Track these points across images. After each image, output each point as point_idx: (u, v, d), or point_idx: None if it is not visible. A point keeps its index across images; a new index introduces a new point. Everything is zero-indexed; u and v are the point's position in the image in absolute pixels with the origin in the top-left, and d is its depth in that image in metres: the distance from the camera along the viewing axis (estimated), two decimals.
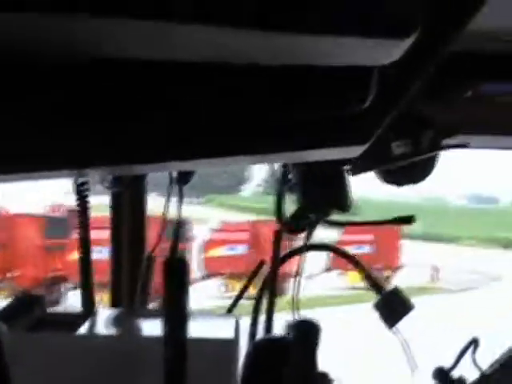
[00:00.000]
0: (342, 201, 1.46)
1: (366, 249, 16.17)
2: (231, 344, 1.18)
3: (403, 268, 17.75)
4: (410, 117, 1.27)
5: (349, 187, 1.47)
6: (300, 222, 1.52)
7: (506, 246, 26.91)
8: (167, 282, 0.84)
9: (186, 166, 1.14)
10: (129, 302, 1.82)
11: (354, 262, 1.61)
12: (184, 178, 1.65)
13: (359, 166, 1.40)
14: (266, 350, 1.35)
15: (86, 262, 1.46)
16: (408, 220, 1.67)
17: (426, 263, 19.13)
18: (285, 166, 1.44)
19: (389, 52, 0.59)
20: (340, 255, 1.65)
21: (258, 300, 1.61)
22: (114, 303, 1.86)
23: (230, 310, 1.63)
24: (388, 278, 16.77)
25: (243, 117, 0.72)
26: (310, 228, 1.52)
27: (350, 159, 1.27)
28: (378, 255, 16.59)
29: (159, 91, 0.71)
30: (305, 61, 0.61)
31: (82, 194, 1.45)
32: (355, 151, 0.78)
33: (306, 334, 1.07)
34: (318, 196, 1.45)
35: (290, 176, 1.44)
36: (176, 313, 0.86)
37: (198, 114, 0.72)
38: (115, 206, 1.88)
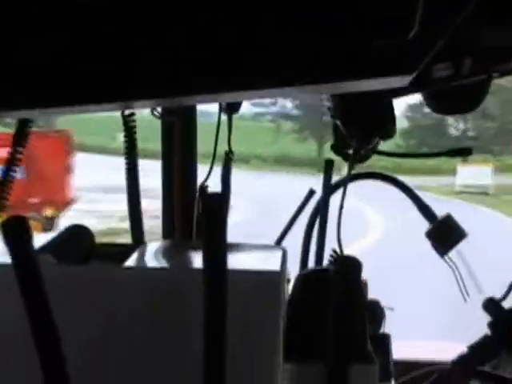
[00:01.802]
0: (385, 127, 1.42)
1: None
2: (277, 275, 1.14)
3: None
4: (451, 40, 1.22)
5: (392, 113, 1.43)
6: (342, 149, 1.49)
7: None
8: (206, 214, 0.83)
9: (235, 96, 1.13)
10: (182, 233, 1.85)
11: (407, 190, 1.58)
12: (233, 107, 1.63)
13: (401, 89, 1.35)
14: (311, 281, 1.33)
15: (134, 193, 1.45)
16: (467, 151, 1.60)
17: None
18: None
19: None
20: (390, 183, 1.61)
21: (308, 229, 1.60)
22: (167, 234, 1.87)
23: (278, 242, 1.62)
24: (52, 218, 12.81)
25: (291, 47, 0.70)
26: (353, 156, 1.49)
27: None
28: (31, 184, 11.80)
29: (205, 21, 0.70)
30: None
31: (129, 125, 1.44)
32: (402, 81, 0.76)
33: (348, 269, 1.06)
34: (360, 122, 1.41)
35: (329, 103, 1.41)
36: (215, 244, 0.84)
37: (245, 44, 0.71)
38: (166, 136, 1.88)
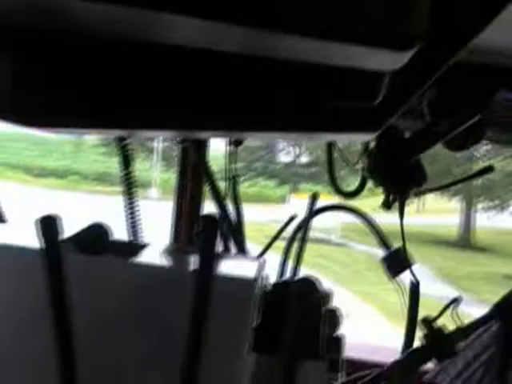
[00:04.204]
0: (418, 178, 1.74)
1: None
2: (251, 284, 1.32)
3: None
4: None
5: (421, 164, 1.74)
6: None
7: None
8: (203, 233, 1.02)
9: (236, 135, 1.40)
10: (187, 238, 2.18)
11: (367, 220, 1.93)
12: (238, 141, 1.99)
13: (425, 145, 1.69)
14: (280, 293, 1.49)
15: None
16: (490, 169, 1.89)
17: None
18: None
19: (392, 61, 0.63)
20: (355, 214, 1.90)
21: (288, 244, 1.86)
22: (174, 239, 2.21)
23: (261, 255, 1.86)
24: None
25: (282, 102, 0.82)
26: (401, 207, 1.80)
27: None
28: None
29: (230, 81, 0.81)
30: (322, 60, 0.67)
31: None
32: (367, 137, 0.91)
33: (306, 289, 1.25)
34: (397, 180, 1.74)
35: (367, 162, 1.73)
36: (206, 256, 1.03)
37: (251, 100, 0.82)
38: (182, 158, 2.24)
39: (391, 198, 1.78)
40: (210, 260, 1.04)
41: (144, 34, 0.61)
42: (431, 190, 1.85)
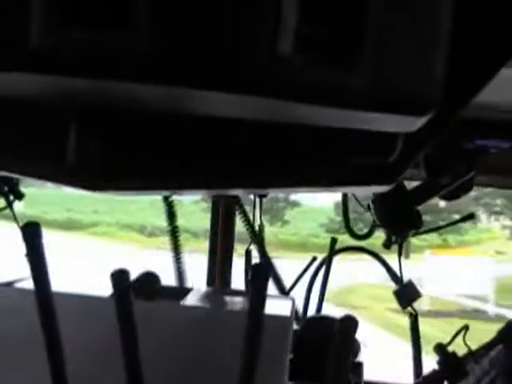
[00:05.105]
0: (415, 223, 1.96)
1: None
2: (287, 321, 1.38)
3: None
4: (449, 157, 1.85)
5: (418, 212, 1.95)
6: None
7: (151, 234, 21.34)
8: (252, 282, 1.08)
9: (261, 192, 1.61)
10: (220, 281, 2.40)
11: (382, 261, 2.17)
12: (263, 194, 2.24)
13: (423, 198, 1.93)
14: (313, 328, 1.70)
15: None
16: (470, 216, 2.19)
17: None
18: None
19: (409, 125, 0.66)
20: (371, 255, 2.18)
21: (311, 281, 2.07)
22: (209, 281, 2.41)
23: (287, 293, 2.05)
24: None
25: (303, 163, 0.84)
26: (400, 248, 2.02)
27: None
28: None
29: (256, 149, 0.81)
30: (349, 126, 0.69)
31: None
32: (383, 189, 0.93)
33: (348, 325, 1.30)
34: (397, 224, 1.96)
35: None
36: (257, 298, 1.08)
37: (277, 160, 0.84)
38: (214, 209, 2.49)
39: (392, 239, 1.98)
40: (261, 305, 1.08)
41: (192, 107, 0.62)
42: (422, 233, 2.04)
